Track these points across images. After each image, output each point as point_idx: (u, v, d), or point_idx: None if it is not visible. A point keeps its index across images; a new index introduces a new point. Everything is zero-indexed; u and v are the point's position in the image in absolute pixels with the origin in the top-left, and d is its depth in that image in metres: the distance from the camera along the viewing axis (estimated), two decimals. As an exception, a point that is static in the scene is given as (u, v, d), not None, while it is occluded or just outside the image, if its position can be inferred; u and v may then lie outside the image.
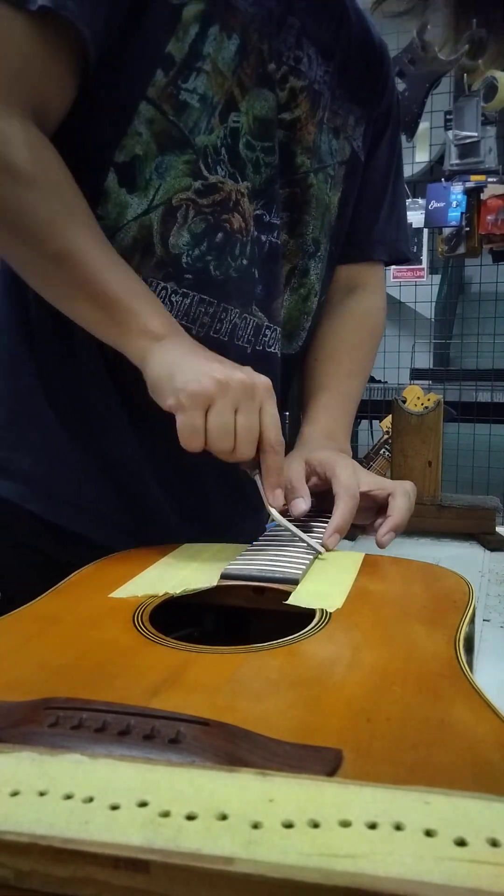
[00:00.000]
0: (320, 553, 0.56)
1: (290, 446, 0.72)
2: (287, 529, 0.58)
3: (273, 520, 0.58)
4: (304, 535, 0.58)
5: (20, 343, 0.68)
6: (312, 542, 0.57)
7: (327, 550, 0.57)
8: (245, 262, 0.69)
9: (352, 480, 0.63)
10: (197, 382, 0.54)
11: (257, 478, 0.58)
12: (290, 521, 0.60)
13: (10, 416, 0.69)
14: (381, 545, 0.62)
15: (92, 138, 0.63)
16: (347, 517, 0.61)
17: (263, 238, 0.71)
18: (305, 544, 0.57)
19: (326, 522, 0.61)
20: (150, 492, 0.70)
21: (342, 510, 0.61)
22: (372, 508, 0.65)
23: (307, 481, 0.66)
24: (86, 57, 0.58)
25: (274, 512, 0.58)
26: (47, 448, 0.68)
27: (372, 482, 0.65)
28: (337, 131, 0.77)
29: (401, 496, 0.63)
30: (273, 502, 0.58)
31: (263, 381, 0.57)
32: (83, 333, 0.61)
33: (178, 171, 0.64)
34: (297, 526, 0.59)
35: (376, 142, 0.84)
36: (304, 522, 0.62)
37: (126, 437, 0.68)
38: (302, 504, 0.63)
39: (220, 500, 0.74)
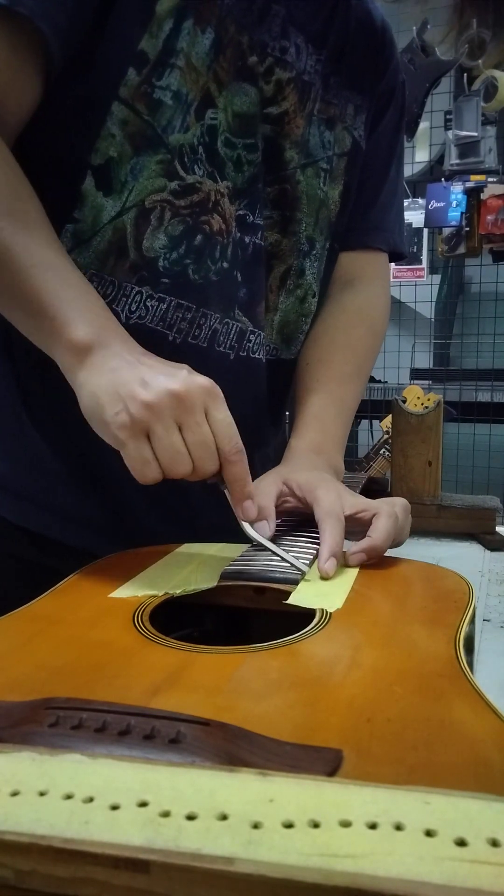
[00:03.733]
0: (303, 573, 0.51)
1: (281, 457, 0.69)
2: (262, 545, 0.54)
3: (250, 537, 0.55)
4: (281, 552, 0.53)
5: (7, 367, 0.66)
6: (291, 559, 0.53)
7: (326, 578, 0.52)
8: (226, 264, 0.66)
9: (335, 504, 0.58)
10: (125, 413, 0.49)
11: (226, 491, 0.53)
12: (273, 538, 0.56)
13: None
14: (347, 563, 0.56)
15: (67, 140, 0.61)
16: (338, 539, 0.55)
17: (247, 239, 0.68)
18: (312, 537, 0.56)
19: (311, 539, 0.57)
20: (132, 498, 0.66)
21: (330, 533, 0.55)
22: (359, 533, 0.58)
23: (284, 503, 0.61)
24: (48, 56, 0.55)
25: (246, 527, 0.54)
26: (27, 456, 0.67)
27: (356, 504, 0.59)
28: (331, 122, 0.73)
29: (385, 517, 0.57)
30: (243, 516, 0.53)
31: (200, 381, 0.51)
32: None
33: (150, 171, 0.61)
34: (284, 543, 0.56)
35: (376, 123, 0.79)
36: (290, 540, 0.58)
37: (106, 445, 0.66)
38: (266, 528, 0.57)
39: (205, 505, 0.69)
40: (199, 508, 0.69)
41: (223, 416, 0.51)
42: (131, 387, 0.50)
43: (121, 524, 0.68)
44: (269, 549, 0.54)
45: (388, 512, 0.58)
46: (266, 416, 0.77)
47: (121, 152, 0.60)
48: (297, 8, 0.67)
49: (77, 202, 0.61)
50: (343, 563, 0.55)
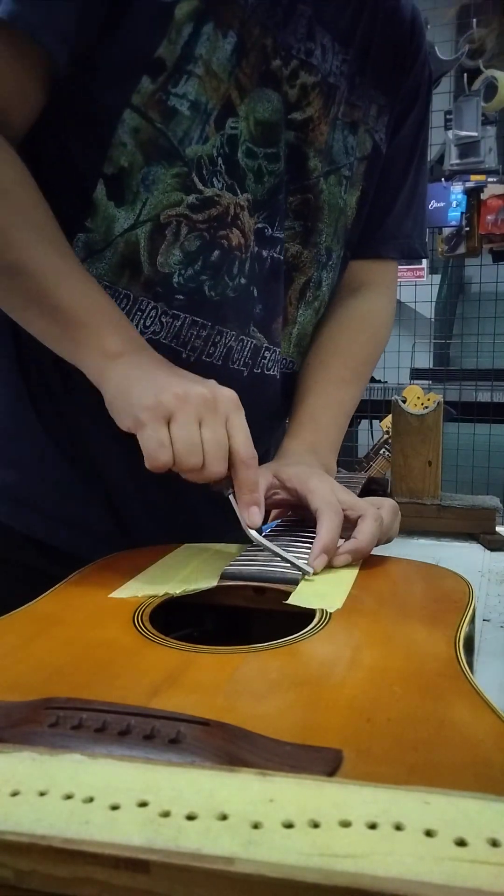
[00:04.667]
0: (307, 573, 0.51)
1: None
2: (268, 549, 0.54)
3: (253, 540, 0.54)
4: (286, 555, 0.53)
5: (8, 359, 0.66)
6: (297, 561, 0.52)
7: (315, 573, 0.52)
8: (244, 280, 0.65)
9: (331, 495, 0.57)
10: (154, 397, 0.51)
11: (231, 496, 0.54)
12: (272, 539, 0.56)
13: None
14: (331, 563, 0.54)
15: (79, 148, 0.60)
16: (334, 534, 0.54)
17: (265, 254, 0.66)
18: (312, 537, 0.56)
19: (310, 539, 0.56)
20: (136, 509, 0.67)
21: (327, 527, 0.54)
22: (344, 530, 0.57)
23: (274, 495, 0.61)
24: (52, 64, 0.55)
25: (252, 532, 0.54)
26: (34, 464, 0.66)
27: (345, 501, 0.58)
28: (354, 126, 0.70)
29: (370, 520, 0.56)
30: (249, 521, 0.54)
31: (227, 393, 0.53)
32: None
33: (166, 185, 0.60)
34: (283, 543, 0.56)
35: (401, 122, 0.75)
36: (288, 538, 0.58)
37: (112, 454, 0.65)
38: (255, 514, 0.56)
39: (207, 515, 0.67)
40: (204, 522, 0.68)
41: (242, 423, 0.53)
42: (165, 380, 0.53)
43: (123, 532, 0.68)
44: (273, 552, 0.53)
45: (374, 515, 0.57)
46: (278, 431, 0.76)
47: (132, 161, 0.59)
48: (325, 5, 0.64)
49: (89, 211, 0.60)
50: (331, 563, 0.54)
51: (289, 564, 0.52)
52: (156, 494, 0.67)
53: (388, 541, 0.60)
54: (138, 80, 0.57)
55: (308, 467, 0.63)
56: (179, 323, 0.63)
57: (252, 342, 0.67)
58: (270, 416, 0.73)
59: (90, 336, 0.55)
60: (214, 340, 0.65)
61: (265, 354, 0.69)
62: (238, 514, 0.54)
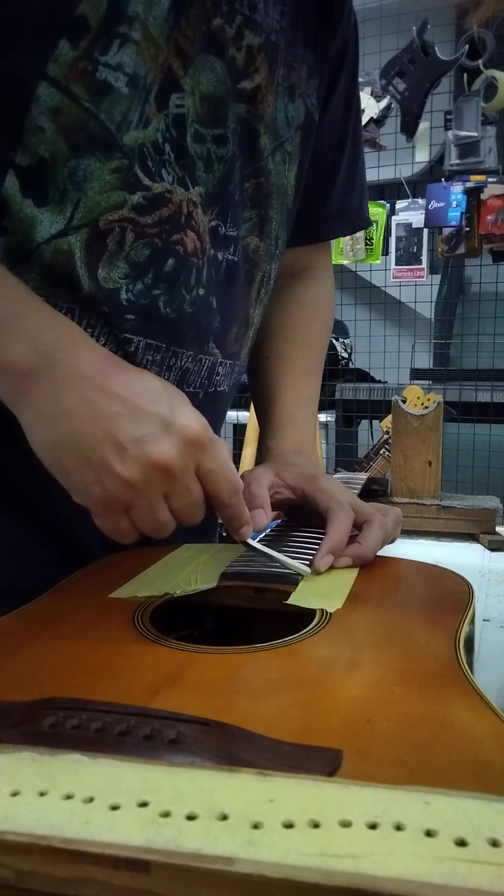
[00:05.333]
0: (306, 573, 0.50)
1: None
2: (265, 554, 0.52)
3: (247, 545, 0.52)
4: (283, 559, 0.51)
5: None
6: (295, 563, 0.51)
7: (318, 573, 0.51)
8: (202, 291, 0.55)
9: (343, 496, 0.56)
10: (99, 487, 0.41)
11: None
12: (268, 542, 0.55)
13: None
14: (332, 565, 0.53)
15: None
16: (343, 535, 0.52)
17: (220, 257, 0.57)
18: (312, 537, 0.55)
19: (312, 539, 0.56)
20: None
21: (338, 527, 0.52)
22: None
23: (276, 494, 0.58)
24: None
25: (249, 541, 0.52)
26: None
27: (354, 504, 0.56)
28: (292, 91, 0.59)
29: (376, 527, 0.55)
30: (240, 539, 0.50)
31: (191, 437, 0.43)
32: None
33: (103, 183, 0.49)
34: (279, 547, 0.55)
35: (331, 91, 0.65)
36: (288, 540, 0.58)
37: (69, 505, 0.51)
38: (262, 517, 0.53)
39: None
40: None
41: (215, 465, 0.44)
42: (103, 453, 0.41)
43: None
44: (270, 557, 0.52)
45: (380, 522, 0.56)
46: None
47: (54, 152, 0.47)
48: None
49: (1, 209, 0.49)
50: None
51: (290, 568, 0.52)
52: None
53: (392, 541, 0.60)
54: (55, 43, 0.45)
55: (308, 469, 0.62)
56: (132, 349, 0.53)
57: (209, 360, 0.60)
58: (215, 429, 0.67)
59: None
60: (169, 364, 0.56)
61: (218, 370, 0.62)
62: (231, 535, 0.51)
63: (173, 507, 0.44)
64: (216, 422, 0.66)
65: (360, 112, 0.72)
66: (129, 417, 0.42)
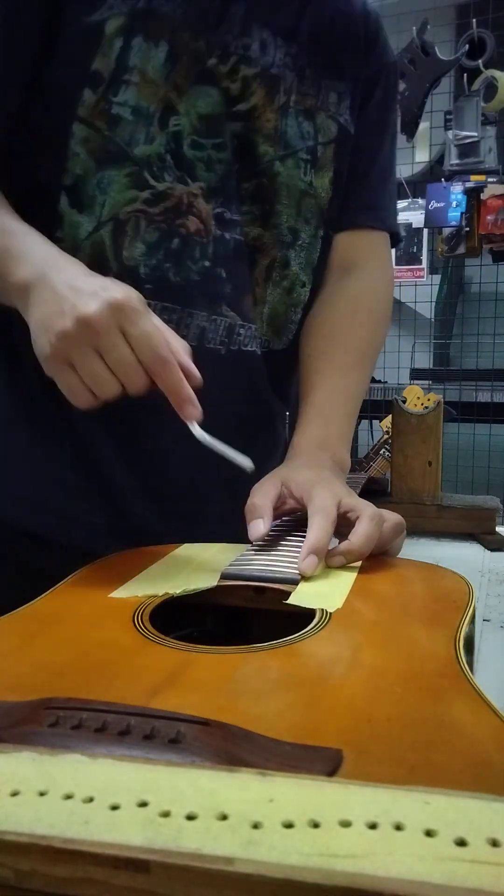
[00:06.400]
0: (250, 469, 0.52)
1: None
2: (210, 445, 0.52)
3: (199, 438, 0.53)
4: (230, 451, 0.52)
5: (3, 367, 0.69)
6: (236, 455, 0.52)
7: (304, 577, 0.51)
8: (207, 263, 0.68)
9: (327, 501, 0.57)
10: (48, 344, 0.51)
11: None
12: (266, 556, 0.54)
13: None
14: (326, 564, 0.54)
15: (39, 164, 0.64)
16: (321, 536, 0.54)
17: (227, 236, 0.69)
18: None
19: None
20: (139, 510, 0.69)
21: (315, 530, 0.54)
22: (346, 533, 0.57)
23: (283, 504, 0.61)
24: None
25: (193, 427, 0.52)
26: (26, 457, 0.68)
27: (349, 504, 0.58)
28: (309, 112, 0.73)
29: (367, 520, 0.56)
30: (186, 416, 0.52)
31: (112, 302, 0.50)
32: None
33: (120, 184, 0.64)
34: (279, 546, 0.55)
35: (364, 105, 0.78)
36: (287, 539, 0.58)
37: (107, 445, 0.68)
38: (260, 526, 0.56)
39: (209, 500, 0.71)
40: (204, 504, 0.71)
41: (139, 330, 0.50)
42: (52, 318, 0.51)
43: (121, 525, 0.68)
44: (216, 449, 0.52)
45: (371, 514, 0.56)
46: (264, 408, 0.77)
47: (86, 169, 0.63)
48: (258, 4, 0.68)
49: (57, 222, 0.64)
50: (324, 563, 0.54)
51: (288, 563, 0.52)
52: (153, 480, 0.69)
53: (396, 552, 0.59)
54: (81, 93, 0.62)
55: (317, 471, 0.62)
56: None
57: (225, 321, 0.70)
58: (253, 393, 0.74)
59: (5, 276, 0.56)
60: (186, 323, 0.67)
61: (239, 331, 0.71)
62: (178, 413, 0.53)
63: (108, 363, 0.51)
64: (251, 381, 0.73)
65: (395, 138, 0.83)
66: (79, 292, 0.52)
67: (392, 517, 0.58)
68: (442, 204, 2.39)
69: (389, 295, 0.82)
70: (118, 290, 0.51)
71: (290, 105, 0.71)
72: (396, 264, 2.53)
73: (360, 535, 0.55)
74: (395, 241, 0.83)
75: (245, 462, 0.52)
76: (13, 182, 0.63)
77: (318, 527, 0.55)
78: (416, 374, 2.86)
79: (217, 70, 0.66)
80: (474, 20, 2.27)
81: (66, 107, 0.63)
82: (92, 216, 0.64)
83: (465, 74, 2.30)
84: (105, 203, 0.64)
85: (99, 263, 0.64)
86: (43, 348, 0.52)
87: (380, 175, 0.81)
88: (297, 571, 0.51)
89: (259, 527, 0.57)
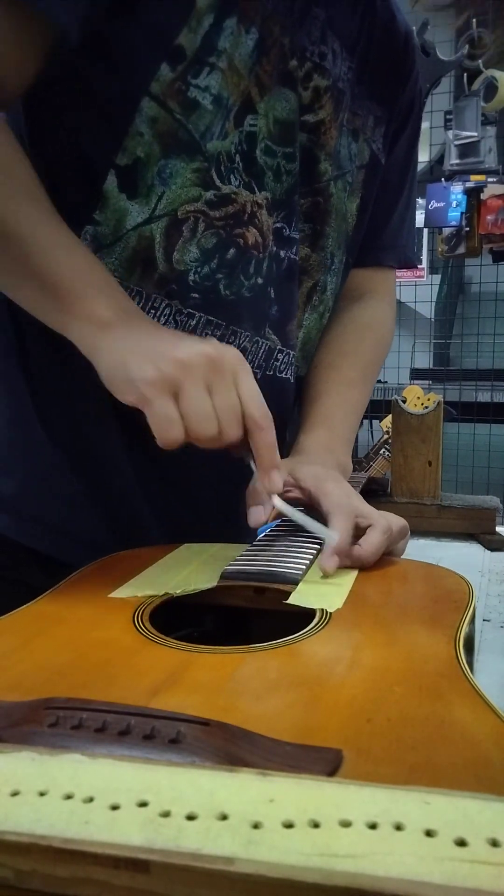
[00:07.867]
0: (333, 540, 0.52)
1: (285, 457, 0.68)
2: (290, 518, 0.53)
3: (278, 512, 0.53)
4: (311, 522, 0.52)
5: (14, 367, 0.64)
6: (320, 528, 0.52)
7: (326, 575, 0.51)
8: (260, 280, 0.64)
9: (345, 499, 0.57)
10: (155, 368, 0.48)
11: (252, 463, 0.52)
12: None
13: (1, 441, 0.65)
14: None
15: (91, 136, 0.58)
16: (346, 538, 0.54)
17: (282, 254, 0.66)
18: (312, 537, 0.55)
19: (312, 537, 0.56)
20: (144, 521, 0.66)
21: (341, 530, 0.54)
22: (354, 535, 0.56)
23: (287, 493, 0.59)
24: (62, 40, 0.51)
25: (275, 499, 0.53)
26: (38, 474, 0.64)
27: (360, 509, 0.57)
28: (356, 133, 0.71)
29: (378, 532, 0.55)
30: (269, 487, 0.52)
31: (232, 352, 0.51)
32: (81, 360, 0.54)
33: (185, 179, 0.59)
34: (279, 546, 0.55)
35: (397, 136, 0.77)
36: (291, 538, 0.58)
37: (121, 465, 0.64)
38: (261, 513, 0.56)
39: (218, 527, 0.67)
40: (211, 528, 0.67)
41: (251, 383, 0.51)
42: (163, 346, 0.49)
43: (129, 545, 0.65)
44: (297, 522, 0.53)
45: (384, 527, 0.56)
46: (284, 437, 0.75)
47: (148, 153, 0.58)
48: (337, 11, 0.64)
49: (98, 202, 0.59)
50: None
51: (288, 563, 0.52)
52: (166, 506, 0.66)
53: (398, 554, 0.59)
54: (157, 67, 0.56)
55: (324, 468, 0.62)
56: (194, 322, 0.62)
57: (266, 344, 0.67)
58: (283, 420, 0.72)
59: (79, 303, 0.52)
60: (229, 341, 0.64)
61: (278, 357, 0.68)
62: (258, 479, 0.53)
63: (215, 403, 0.49)
64: (282, 408, 0.70)
65: (416, 169, 0.84)
66: (186, 340, 0.52)
67: (397, 523, 0.58)
68: (442, 204, 2.39)
69: (392, 325, 0.85)
70: (231, 347, 0.52)
71: (344, 123, 0.69)
72: (397, 264, 2.53)
73: (370, 544, 0.55)
74: (414, 265, 0.88)
75: (332, 535, 0.52)
76: (53, 145, 0.58)
77: (344, 528, 0.54)
78: (416, 374, 2.86)
79: (295, 73, 0.62)
80: (474, 20, 2.27)
81: (140, 79, 0.56)
82: (145, 206, 0.58)
83: (465, 74, 2.29)
84: (164, 196, 0.58)
85: (143, 260, 0.60)
86: (143, 371, 0.48)
87: (402, 212, 0.81)
88: (297, 571, 0.51)
89: (259, 514, 0.56)
